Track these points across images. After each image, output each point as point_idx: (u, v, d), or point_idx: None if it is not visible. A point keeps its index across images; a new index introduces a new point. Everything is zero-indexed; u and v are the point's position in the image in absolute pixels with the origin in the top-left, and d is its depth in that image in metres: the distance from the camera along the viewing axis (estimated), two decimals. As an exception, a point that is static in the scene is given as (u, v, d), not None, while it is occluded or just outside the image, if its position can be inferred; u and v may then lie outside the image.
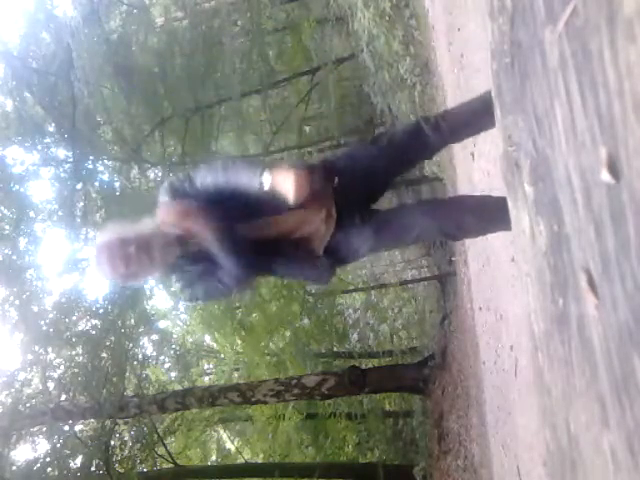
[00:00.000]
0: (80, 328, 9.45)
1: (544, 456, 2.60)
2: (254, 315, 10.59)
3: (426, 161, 7.75)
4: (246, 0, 9.61)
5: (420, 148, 2.11)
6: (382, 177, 2.17)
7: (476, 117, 2.05)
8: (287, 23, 10.84)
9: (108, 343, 8.92)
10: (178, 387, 10.54)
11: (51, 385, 9.32)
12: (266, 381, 8.80)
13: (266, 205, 1.95)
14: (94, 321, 9.42)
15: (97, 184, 9.45)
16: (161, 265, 1.99)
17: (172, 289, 12.04)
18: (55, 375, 9.43)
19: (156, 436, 9.52)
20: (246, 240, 1.94)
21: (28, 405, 8.77)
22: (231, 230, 1.92)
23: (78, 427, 9.28)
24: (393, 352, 10.92)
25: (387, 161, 2.08)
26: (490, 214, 2.01)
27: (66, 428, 9.02)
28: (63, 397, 8.98)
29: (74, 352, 9.43)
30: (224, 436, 13.87)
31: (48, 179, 9.80)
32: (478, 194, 2.41)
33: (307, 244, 2.04)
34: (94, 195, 9.31)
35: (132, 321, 9.22)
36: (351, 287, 12.06)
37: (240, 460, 12.79)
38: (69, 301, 9.16)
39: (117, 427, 9.13)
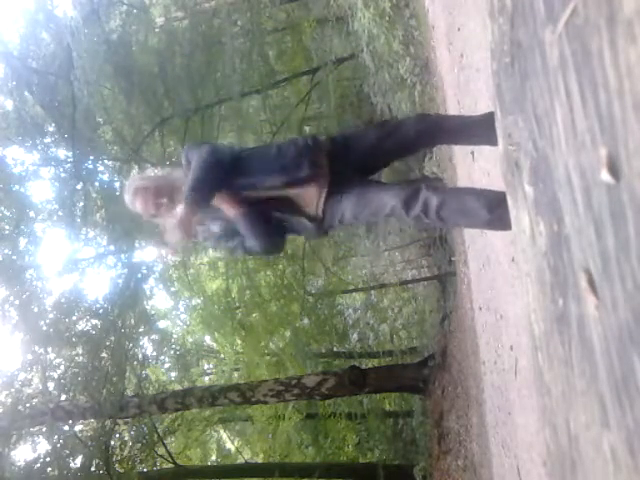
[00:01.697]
0: (80, 328, 9.44)
1: (544, 456, 2.60)
2: (254, 315, 10.59)
3: (426, 160, 7.76)
4: (246, 0, 9.61)
5: (417, 139, 2.32)
6: (380, 159, 2.39)
7: (474, 126, 2.22)
8: (287, 23, 10.84)
9: (108, 343, 8.92)
10: (178, 387, 10.54)
11: (51, 385, 9.31)
12: (266, 381, 8.81)
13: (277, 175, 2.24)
14: (94, 321, 9.42)
15: (97, 184, 9.44)
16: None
17: (172, 289, 12.08)
18: (55, 375, 9.43)
19: (156, 436, 9.52)
20: (262, 215, 2.26)
21: (28, 405, 8.76)
22: (251, 212, 2.25)
23: (78, 427, 9.28)
24: (393, 352, 10.92)
25: (387, 146, 2.29)
26: (470, 203, 2.05)
27: (66, 428, 9.02)
28: (63, 397, 8.97)
29: (74, 352, 9.43)
30: (224, 436, 13.88)
31: (48, 179, 9.81)
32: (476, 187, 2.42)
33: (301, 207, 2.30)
34: (94, 195, 9.30)
35: (132, 321, 9.22)
36: (351, 287, 12.06)
37: (240, 460, 12.79)
38: (69, 301, 9.15)
39: (117, 427, 9.13)
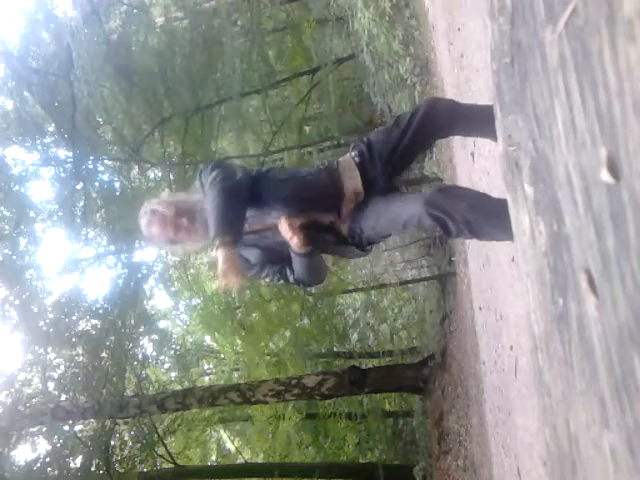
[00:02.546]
0: (80, 328, 9.44)
1: (544, 456, 2.60)
2: (254, 315, 10.59)
3: (426, 161, 7.76)
4: (246, 0, 9.61)
5: (430, 125, 2.19)
6: (405, 155, 2.27)
7: (474, 115, 2.16)
8: (287, 23, 10.84)
9: (108, 343, 8.92)
10: (178, 387, 10.53)
11: (51, 385, 9.32)
12: (266, 381, 8.80)
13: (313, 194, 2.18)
14: (94, 321, 9.42)
15: (97, 184, 9.45)
16: (202, 237, 2.15)
17: (172, 289, 12.08)
18: (55, 375, 9.43)
19: (156, 436, 9.51)
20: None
21: (28, 405, 8.77)
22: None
23: (78, 427, 9.28)
24: (393, 352, 10.92)
25: (405, 141, 2.17)
26: (487, 208, 1.95)
27: (66, 428, 9.02)
28: (63, 397, 8.98)
29: (74, 352, 9.43)
30: (224, 436, 13.88)
31: (48, 179, 9.81)
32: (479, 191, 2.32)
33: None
34: (94, 195, 9.30)
35: (132, 321, 9.22)
36: (351, 287, 12.06)
37: (240, 460, 12.79)
38: (69, 301, 9.15)
39: (117, 427, 9.13)
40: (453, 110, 2.21)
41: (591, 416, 0.51)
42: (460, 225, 1.94)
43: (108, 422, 8.63)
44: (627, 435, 0.44)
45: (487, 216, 1.91)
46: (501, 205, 1.88)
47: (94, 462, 8.74)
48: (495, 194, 2.06)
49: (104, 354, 8.88)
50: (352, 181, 2.18)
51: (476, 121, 2.19)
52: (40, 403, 8.79)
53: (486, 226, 1.94)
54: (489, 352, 5.05)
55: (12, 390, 8.83)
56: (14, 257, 9.07)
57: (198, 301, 11.79)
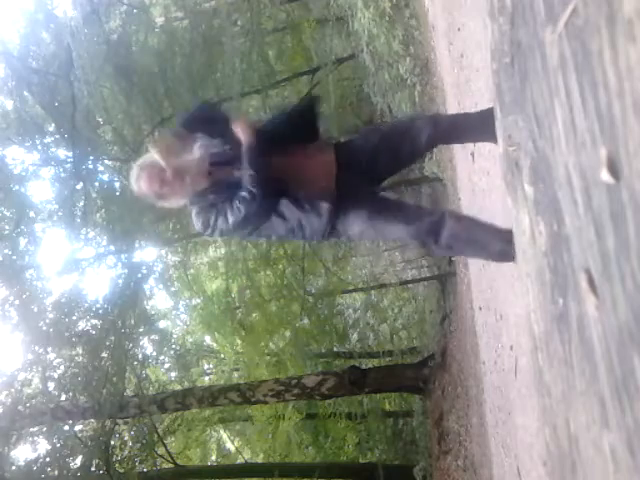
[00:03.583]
0: (80, 328, 9.44)
1: (544, 456, 2.60)
2: (254, 315, 10.59)
3: (426, 160, 7.76)
4: (246, 0, 9.61)
5: (414, 139, 2.23)
6: (389, 167, 2.35)
7: (471, 126, 2.22)
8: (287, 23, 10.84)
9: (108, 343, 8.92)
10: (178, 387, 10.54)
11: (51, 385, 9.31)
12: (266, 381, 8.81)
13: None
14: (94, 321, 9.42)
15: (97, 184, 9.44)
16: (189, 191, 2.21)
17: (172, 289, 12.08)
18: (55, 375, 9.43)
19: (156, 436, 9.51)
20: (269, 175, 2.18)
21: (28, 405, 8.76)
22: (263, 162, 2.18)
23: (78, 427, 9.28)
24: (393, 352, 10.92)
25: (386, 147, 2.24)
26: (474, 238, 2.10)
27: (66, 428, 9.02)
28: (63, 397, 8.98)
29: (74, 352, 9.43)
30: (224, 436, 13.88)
31: (48, 179, 9.81)
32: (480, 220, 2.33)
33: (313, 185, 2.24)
34: (94, 195, 9.30)
35: (132, 321, 9.22)
36: (351, 287, 12.06)
37: (240, 460, 12.79)
38: (69, 301, 9.15)
39: (117, 427, 9.13)
40: (455, 126, 2.30)
41: (591, 416, 0.51)
42: (443, 250, 2.22)
43: (108, 422, 8.63)
44: (627, 435, 0.44)
45: (472, 246, 2.15)
46: (492, 236, 2.00)
47: (94, 462, 8.74)
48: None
49: (104, 354, 8.88)
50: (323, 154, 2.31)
51: (459, 131, 2.29)
52: (40, 403, 8.79)
53: (470, 251, 2.28)
54: (489, 352, 5.05)
55: (12, 390, 8.83)
56: (14, 257, 9.06)
57: (198, 301, 11.79)
